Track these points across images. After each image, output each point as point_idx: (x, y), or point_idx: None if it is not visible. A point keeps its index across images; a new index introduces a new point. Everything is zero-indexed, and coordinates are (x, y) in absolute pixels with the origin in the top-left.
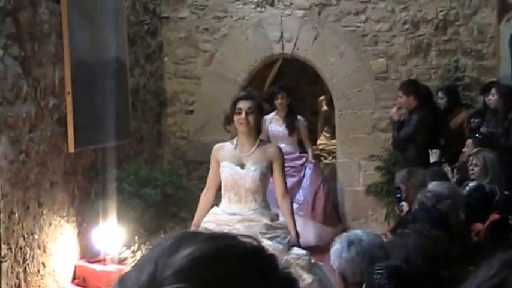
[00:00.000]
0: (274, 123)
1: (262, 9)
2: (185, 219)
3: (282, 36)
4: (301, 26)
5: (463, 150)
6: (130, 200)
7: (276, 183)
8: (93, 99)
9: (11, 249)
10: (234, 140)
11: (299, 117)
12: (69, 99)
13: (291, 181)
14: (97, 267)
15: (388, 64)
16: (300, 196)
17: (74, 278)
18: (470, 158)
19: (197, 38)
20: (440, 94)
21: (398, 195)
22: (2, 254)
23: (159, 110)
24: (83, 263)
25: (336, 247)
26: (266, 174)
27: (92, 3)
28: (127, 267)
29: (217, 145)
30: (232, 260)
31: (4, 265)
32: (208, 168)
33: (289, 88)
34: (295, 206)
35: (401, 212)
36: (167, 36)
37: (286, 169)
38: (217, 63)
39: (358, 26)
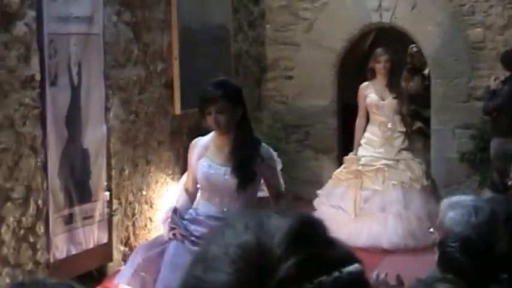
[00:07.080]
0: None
1: None
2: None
3: (380, 5)
4: None
5: None
6: None
7: None
8: (198, 64)
9: (121, 204)
10: None
11: None
12: (176, 63)
13: None
14: None
15: (484, 34)
16: None
17: None
18: None
19: (297, 6)
20: None
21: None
22: (113, 208)
23: (259, 75)
24: None
25: (454, 215)
26: None
27: None
28: None
29: None
30: None
31: (115, 218)
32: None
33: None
34: None
35: None
36: (269, 4)
37: None
38: (316, 30)
39: None
